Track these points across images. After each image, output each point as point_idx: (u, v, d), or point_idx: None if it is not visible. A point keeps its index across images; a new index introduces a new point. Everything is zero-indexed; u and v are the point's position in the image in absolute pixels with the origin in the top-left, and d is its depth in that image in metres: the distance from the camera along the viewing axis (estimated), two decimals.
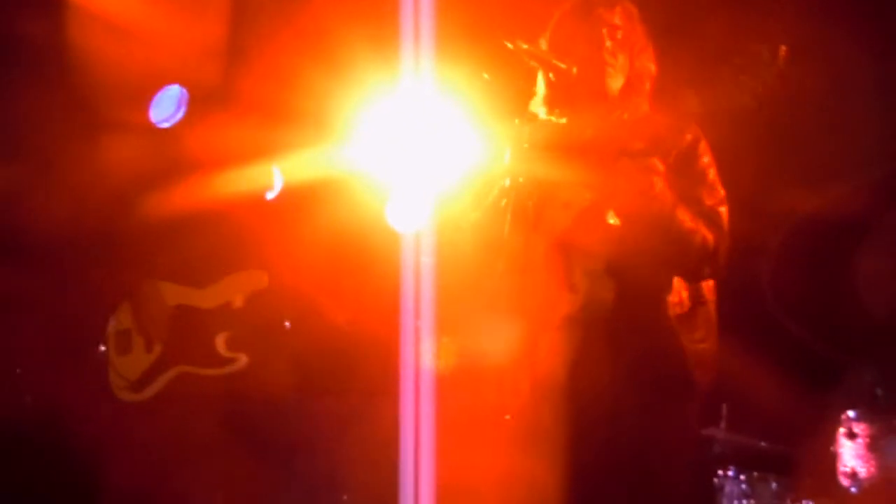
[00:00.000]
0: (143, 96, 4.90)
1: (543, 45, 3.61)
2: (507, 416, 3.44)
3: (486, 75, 3.62)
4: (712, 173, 3.53)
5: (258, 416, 4.65)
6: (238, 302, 4.69)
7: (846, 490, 5.12)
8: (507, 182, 3.58)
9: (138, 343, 4.71)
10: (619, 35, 3.58)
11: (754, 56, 3.26)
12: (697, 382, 3.53)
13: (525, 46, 3.51)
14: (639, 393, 3.42)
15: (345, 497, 5.12)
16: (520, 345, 3.49)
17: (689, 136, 3.52)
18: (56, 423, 4.78)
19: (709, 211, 3.48)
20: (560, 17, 3.64)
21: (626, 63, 3.58)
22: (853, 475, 5.10)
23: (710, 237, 3.44)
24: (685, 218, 3.41)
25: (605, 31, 3.57)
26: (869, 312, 5.39)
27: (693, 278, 3.52)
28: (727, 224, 3.51)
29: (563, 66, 3.50)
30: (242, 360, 4.65)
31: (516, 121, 3.58)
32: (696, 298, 3.53)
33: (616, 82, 3.58)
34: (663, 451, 3.46)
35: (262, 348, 4.67)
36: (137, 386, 4.66)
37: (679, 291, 3.52)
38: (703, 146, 3.56)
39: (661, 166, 3.38)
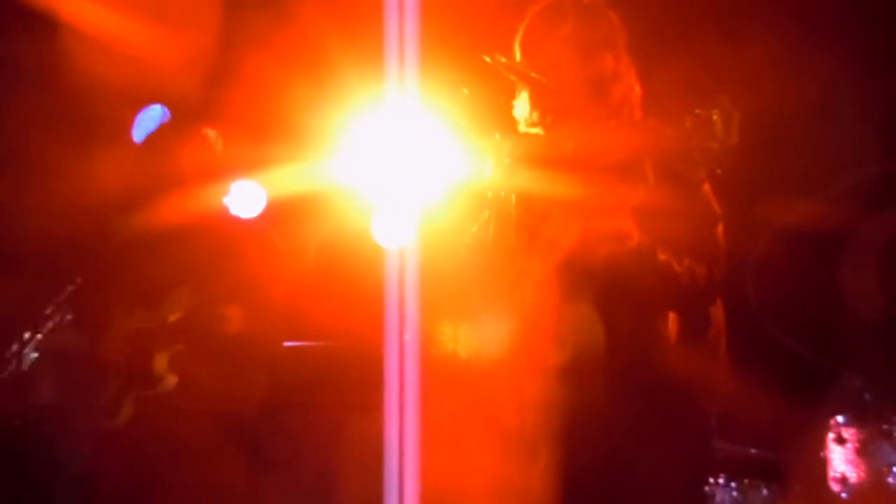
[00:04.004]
0: (129, 111, 4.90)
1: (518, 57, 3.60)
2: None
3: (466, 90, 3.61)
4: (706, 188, 3.41)
5: (233, 432, 4.62)
6: (175, 318, 4.64)
7: (837, 495, 5.12)
8: (490, 197, 3.60)
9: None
10: (572, 44, 3.50)
11: (703, 123, 3.13)
12: (706, 410, 3.45)
13: (504, 60, 3.52)
14: (638, 428, 3.35)
15: None
16: (506, 360, 3.49)
17: (681, 147, 3.31)
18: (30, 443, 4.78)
19: (700, 234, 3.37)
20: (522, 31, 3.60)
21: (583, 70, 3.51)
22: (843, 480, 5.11)
23: (699, 271, 3.33)
24: (668, 260, 3.31)
25: (558, 42, 3.51)
26: (856, 318, 5.40)
27: (687, 315, 3.42)
28: (723, 244, 3.41)
29: (542, 79, 3.50)
30: (189, 377, 4.60)
31: (497, 135, 3.59)
32: (701, 321, 3.45)
33: (584, 92, 3.51)
34: (666, 483, 3.37)
35: (210, 362, 4.62)
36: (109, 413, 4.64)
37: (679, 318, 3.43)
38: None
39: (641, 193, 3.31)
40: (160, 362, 4.62)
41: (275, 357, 4.97)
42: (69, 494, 4.92)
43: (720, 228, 3.43)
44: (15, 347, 4.67)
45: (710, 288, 3.38)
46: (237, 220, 4.74)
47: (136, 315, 4.69)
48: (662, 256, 3.30)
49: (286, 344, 5.24)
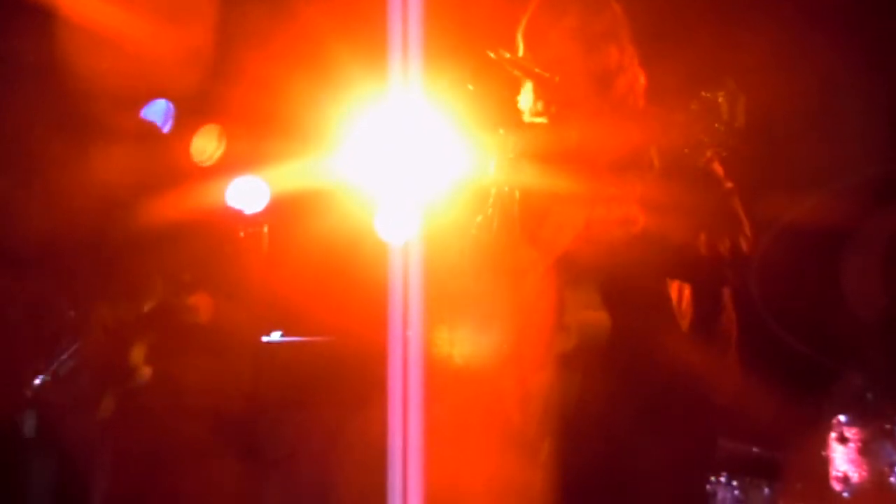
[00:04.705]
0: (130, 107, 4.90)
1: (521, 50, 3.61)
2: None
3: (470, 86, 3.61)
4: (715, 166, 3.39)
5: (233, 428, 4.61)
6: (148, 308, 4.62)
7: (838, 495, 5.12)
8: (493, 192, 3.60)
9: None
10: (575, 36, 3.49)
11: (709, 106, 3.13)
12: (711, 407, 3.42)
13: (507, 56, 3.52)
14: (643, 418, 3.33)
15: None
16: (509, 355, 3.49)
17: (688, 130, 3.28)
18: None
19: (716, 210, 3.36)
20: (525, 23, 3.59)
21: (587, 62, 3.50)
22: (845, 480, 5.11)
23: (723, 244, 3.32)
24: (682, 240, 3.30)
25: (561, 35, 3.50)
26: (858, 317, 5.40)
27: (709, 289, 3.40)
28: (743, 215, 3.38)
29: (545, 74, 3.50)
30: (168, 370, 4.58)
31: (501, 130, 3.59)
32: (714, 306, 3.43)
33: (588, 85, 3.50)
34: (669, 479, 3.34)
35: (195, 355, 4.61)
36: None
37: (690, 301, 3.41)
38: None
39: (646, 180, 3.30)
40: (136, 354, 4.60)
41: (258, 351, 4.96)
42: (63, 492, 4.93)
43: (736, 201, 3.41)
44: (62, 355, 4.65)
45: (737, 259, 3.36)
46: (226, 215, 4.74)
47: (120, 307, 4.67)
48: (675, 238, 3.29)
49: (292, 339, 5.24)
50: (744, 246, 3.37)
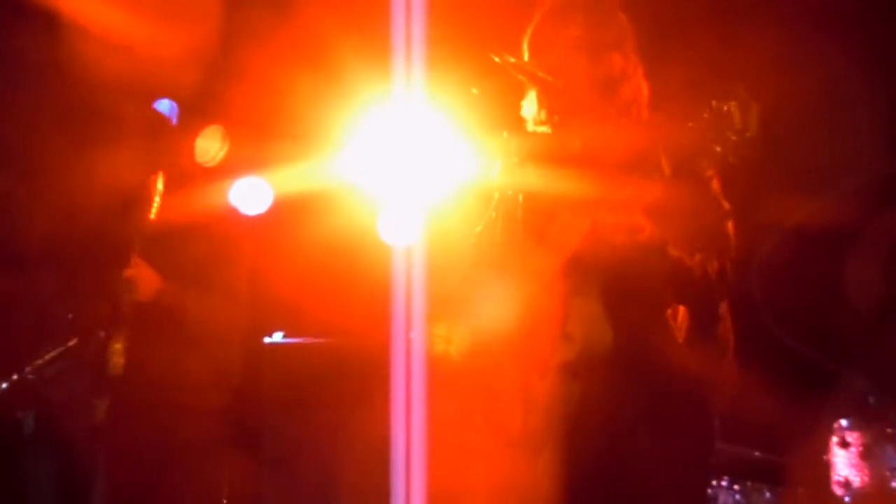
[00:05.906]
0: (131, 107, 4.89)
1: (526, 57, 3.61)
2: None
3: (474, 89, 3.61)
4: (715, 184, 3.42)
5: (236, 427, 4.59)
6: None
7: (840, 499, 5.12)
8: (497, 195, 3.60)
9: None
10: (580, 44, 3.50)
11: (721, 116, 3.12)
12: (713, 407, 3.44)
13: (512, 60, 3.52)
14: (643, 423, 3.34)
15: None
16: (512, 360, 3.49)
17: (689, 144, 3.32)
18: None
19: (710, 229, 3.37)
20: (531, 31, 3.59)
21: (592, 70, 3.50)
22: (846, 484, 5.11)
23: (711, 265, 3.34)
24: (679, 254, 3.31)
25: (567, 43, 3.51)
26: (860, 320, 5.40)
27: (698, 309, 3.43)
28: (733, 240, 3.41)
29: (549, 78, 3.50)
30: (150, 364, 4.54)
31: (505, 134, 3.59)
32: (710, 318, 3.45)
33: (592, 93, 3.51)
34: (669, 483, 3.36)
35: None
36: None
37: (688, 314, 3.44)
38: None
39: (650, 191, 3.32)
40: (111, 347, 4.55)
41: (256, 350, 4.94)
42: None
43: (730, 224, 3.43)
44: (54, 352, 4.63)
45: (723, 283, 3.39)
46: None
47: (109, 304, 4.65)
48: (674, 251, 3.31)
49: (295, 340, 5.23)
50: (729, 271, 3.39)
